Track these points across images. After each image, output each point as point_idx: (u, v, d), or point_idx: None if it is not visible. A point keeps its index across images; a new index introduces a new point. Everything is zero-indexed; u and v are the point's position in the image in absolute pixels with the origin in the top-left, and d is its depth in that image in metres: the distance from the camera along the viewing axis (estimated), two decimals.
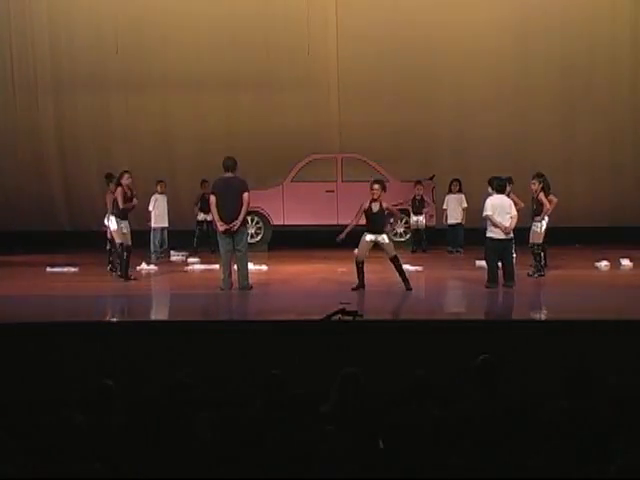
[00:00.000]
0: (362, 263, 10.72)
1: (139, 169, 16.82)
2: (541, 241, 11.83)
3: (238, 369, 7.45)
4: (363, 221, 10.95)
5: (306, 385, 6.12)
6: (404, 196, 15.65)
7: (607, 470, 4.04)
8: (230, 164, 11.06)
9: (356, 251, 10.93)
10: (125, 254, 11.91)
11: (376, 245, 10.82)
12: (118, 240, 11.96)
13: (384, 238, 10.77)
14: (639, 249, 14.15)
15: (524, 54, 16.81)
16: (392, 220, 10.99)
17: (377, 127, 16.66)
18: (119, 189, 12.00)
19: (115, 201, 11.98)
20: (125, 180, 12.03)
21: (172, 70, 17.23)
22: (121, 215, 11.95)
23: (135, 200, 12.31)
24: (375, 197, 10.68)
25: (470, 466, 4.61)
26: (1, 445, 4.45)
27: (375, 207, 10.70)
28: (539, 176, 11.95)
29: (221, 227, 10.82)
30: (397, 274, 10.74)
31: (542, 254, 11.93)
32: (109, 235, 12.57)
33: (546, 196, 11.83)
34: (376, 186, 10.70)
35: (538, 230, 11.70)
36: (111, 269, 12.82)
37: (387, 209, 10.80)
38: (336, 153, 16.46)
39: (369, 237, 10.75)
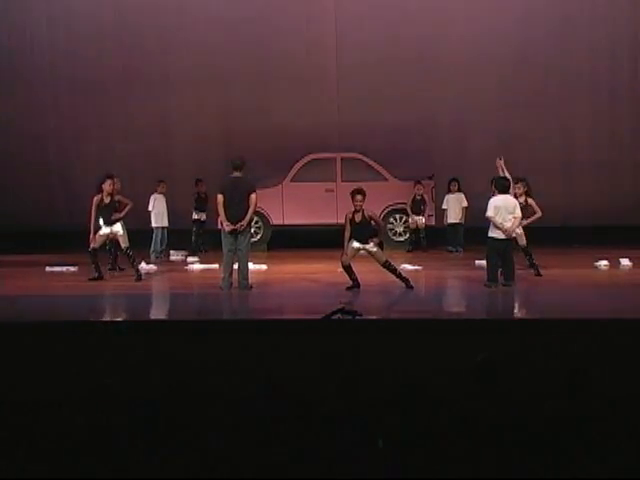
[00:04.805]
0: (349, 266, 10.74)
1: (138, 168, 16.88)
2: (525, 242, 11.88)
3: (238, 369, 7.45)
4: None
5: (306, 385, 6.12)
6: (404, 196, 15.66)
7: (607, 470, 4.04)
8: (239, 164, 11.03)
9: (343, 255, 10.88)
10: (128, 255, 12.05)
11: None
12: (124, 244, 12.05)
13: (371, 247, 10.76)
14: (639, 249, 14.16)
15: (524, 54, 16.82)
16: (376, 227, 10.89)
17: (376, 127, 16.68)
18: (97, 196, 12.03)
19: (98, 206, 12.00)
20: (106, 186, 12.02)
21: (171, 70, 17.25)
22: (105, 220, 11.99)
23: (127, 202, 12.34)
24: (358, 208, 10.64)
25: (470, 466, 4.61)
26: (2, 445, 4.45)
27: (358, 217, 10.67)
28: (523, 180, 12.01)
29: (227, 227, 10.82)
30: (394, 277, 10.75)
31: (531, 254, 11.99)
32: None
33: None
34: (358, 197, 10.60)
35: (519, 232, 11.66)
36: (111, 269, 12.88)
37: (370, 218, 10.76)
38: (335, 153, 16.47)
39: (356, 244, 10.74)
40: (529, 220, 11.86)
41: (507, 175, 11.91)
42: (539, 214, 11.94)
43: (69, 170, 17.62)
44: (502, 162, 12.34)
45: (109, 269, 12.88)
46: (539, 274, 11.82)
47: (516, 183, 11.75)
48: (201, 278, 12.89)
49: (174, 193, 16.05)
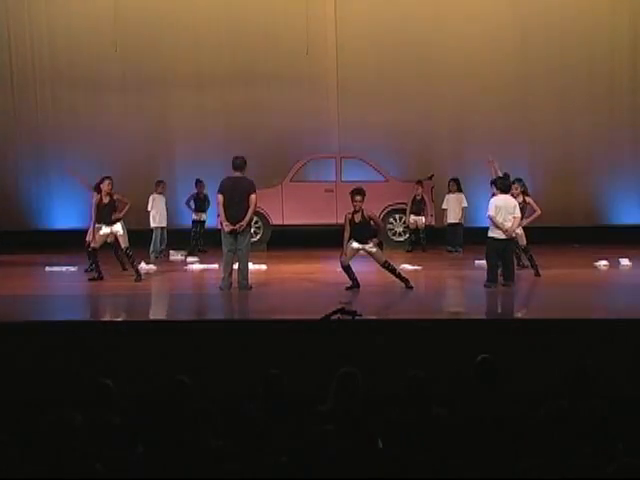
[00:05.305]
0: (348, 266, 10.73)
1: (137, 168, 16.87)
2: (525, 242, 11.89)
3: (238, 369, 7.45)
4: None
5: (305, 385, 6.12)
6: (404, 196, 15.65)
7: (607, 470, 4.04)
8: (239, 163, 10.99)
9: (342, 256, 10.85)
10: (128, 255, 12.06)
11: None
12: (124, 244, 12.08)
13: (370, 247, 10.74)
14: (638, 249, 14.16)
15: (524, 53, 16.82)
16: (375, 227, 10.86)
17: (376, 127, 16.67)
18: (96, 197, 12.04)
19: (98, 206, 12.01)
20: (105, 187, 12.03)
21: (171, 70, 17.24)
22: (104, 220, 11.99)
23: (126, 201, 12.37)
24: (357, 208, 10.59)
25: (470, 466, 4.61)
26: (1, 446, 4.45)
27: (357, 217, 10.62)
28: (519, 180, 12.07)
29: (227, 227, 10.80)
30: (394, 277, 10.74)
31: (531, 255, 12.01)
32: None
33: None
34: (358, 197, 10.54)
35: (520, 232, 11.67)
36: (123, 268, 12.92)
37: (370, 218, 10.74)
38: (335, 153, 16.47)
39: (355, 245, 10.71)
40: (529, 219, 11.91)
41: (500, 174, 12.00)
42: (538, 212, 12.02)
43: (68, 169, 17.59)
44: (495, 163, 12.40)
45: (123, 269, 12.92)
46: (538, 274, 11.82)
47: (512, 184, 11.77)
48: (201, 278, 12.88)
49: (173, 193, 16.05)
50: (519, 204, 11.20)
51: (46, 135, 17.57)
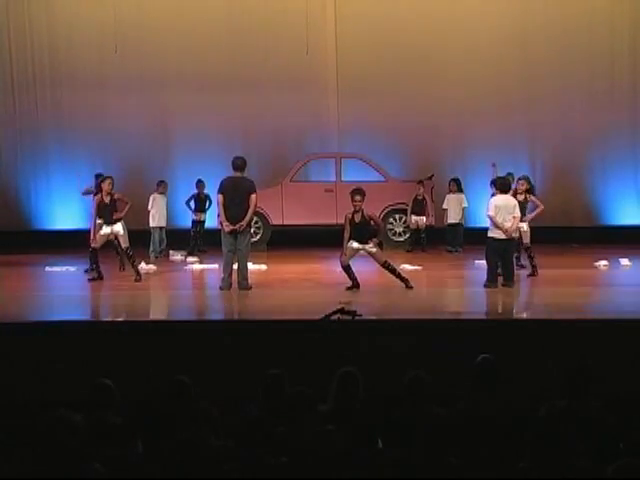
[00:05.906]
0: (348, 266, 10.73)
1: (137, 168, 16.88)
2: (529, 241, 11.90)
3: (238, 369, 7.45)
4: None
5: (305, 385, 6.12)
6: (404, 196, 15.64)
7: (607, 470, 4.04)
8: (239, 164, 11.00)
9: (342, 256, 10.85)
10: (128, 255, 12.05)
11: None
12: (124, 244, 12.07)
13: (370, 247, 10.75)
14: (638, 249, 14.16)
15: (525, 54, 16.83)
16: (375, 227, 10.85)
17: (376, 127, 16.67)
18: (97, 196, 12.04)
19: (99, 205, 12.01)
20: (106, 186, 12.01)
21: (171, 70, 17.23)
22: (105, 220, 11.98)
23: (126, 200, 12.38)
24: (357, 208, 10.60)
25: (470, 466, 4.61)
26: (1, 445, 4.45)
27: (357, 217, 10.63)
28: (526, 177, 12.09)
29: (227, 228, 10.80)
30: (394, 277, 10.73)
31: (532, 253, 12.01)
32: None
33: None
34: (357, 197, 10.55)
35: (526, 229, 11.68)
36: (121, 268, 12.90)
37: (370, 218, 10.74)
38: (335, 153, 16.47)
39: (355, 245, 10.71)
40: (532, 215, 11.86)
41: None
42: (542, 207, 12.01)
43: (68, 170, 17.59)
44: (495, 168, 12.43)
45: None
46: (536, 274, 11.77)
47: (519, 180, 11.79)
48: (201, 278, 12.88)
49: (173, 193, 16.05)
50: (521, 202, 11.21)
51: (46, 135, 17.56)
